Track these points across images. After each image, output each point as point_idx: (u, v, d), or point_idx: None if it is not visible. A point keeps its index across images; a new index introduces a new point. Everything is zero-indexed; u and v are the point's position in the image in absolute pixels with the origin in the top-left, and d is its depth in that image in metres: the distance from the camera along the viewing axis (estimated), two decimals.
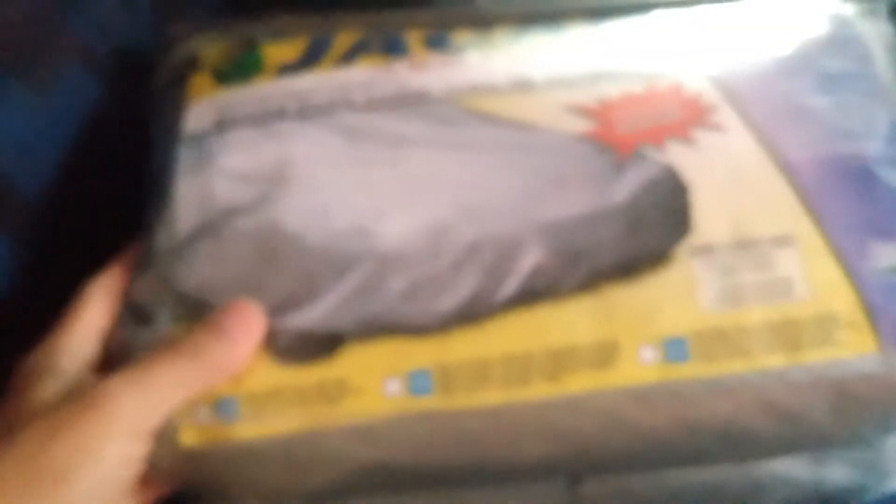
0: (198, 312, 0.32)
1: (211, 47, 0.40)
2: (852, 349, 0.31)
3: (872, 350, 0.31)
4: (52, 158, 0.41)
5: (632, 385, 0.31)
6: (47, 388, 0.30)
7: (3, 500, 0.27)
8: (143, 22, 0.46)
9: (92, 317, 0.33)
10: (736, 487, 0.34)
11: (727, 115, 0.35)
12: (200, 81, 0.38)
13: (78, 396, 0.29)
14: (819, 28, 0.39)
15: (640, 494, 0.34)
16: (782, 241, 0.32)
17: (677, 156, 0.34)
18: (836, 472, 0.34)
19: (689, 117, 0.35)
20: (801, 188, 0.33)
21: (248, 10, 0.43)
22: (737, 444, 0.32)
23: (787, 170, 0.34)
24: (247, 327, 0.31)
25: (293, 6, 0.44)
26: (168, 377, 0.30)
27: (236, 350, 0.31)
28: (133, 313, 0.33)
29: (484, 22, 0.41)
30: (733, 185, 0.33)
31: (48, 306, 0.37)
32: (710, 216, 0.33)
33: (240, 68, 0.38)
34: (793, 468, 0.34)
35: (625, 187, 0.33)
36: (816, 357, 0.31)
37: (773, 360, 0.31)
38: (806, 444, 0.33)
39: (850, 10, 0.40)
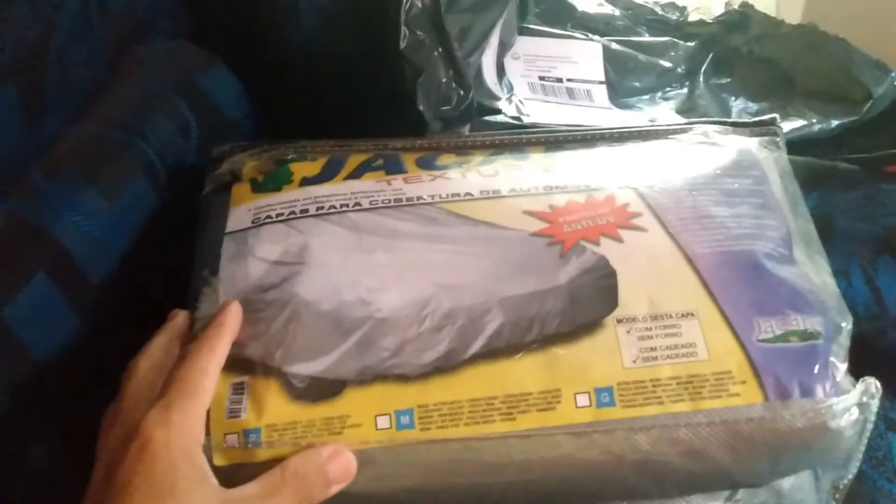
0: (234, 363, 0.40)
1: (249, 164, 0.51)
2: (743, 399, 0.40)
3: (759, 400, 0.40)
4: (116, 252, 0.49)
5: (570, 424, 0.39)
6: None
7: None
8: (194, 145, 0.55)
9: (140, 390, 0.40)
10: None
11: (648, 220, 0.45)
12: (241, 190, 0.49)
13: None
14: (726, 154, 0.50)
15: None
16: (687, 314, 0.41)
17: (609, 249, 0.44)
18: None
19: (619, 220, 0.45)
20: (703, 276, 0.43)
21: (279, 137, 0.54)
22: (655, 475, 0.40)
23: (694, 261, 0.43)
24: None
25: (316, 134, 0.54)
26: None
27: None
28: None
29: (464, 148, 0.52)
30: (651, 272, 0.43)
31: (110, 371, 0.45)
32: (632, 294, 0.42)
33: (272, 180, 0.49)
34: None
35: (567, 272, 0.43)
36: (715, 405, 0.40)
37: (680, 406, 0.39)
38: (714, 480, 0.42)
39: (753, 142, 0.51)
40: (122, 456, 0.36)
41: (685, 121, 0.55)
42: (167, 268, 0.49)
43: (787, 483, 0.44)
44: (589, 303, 0.42)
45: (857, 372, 0.43)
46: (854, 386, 0.41)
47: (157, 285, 0.50)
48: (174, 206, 0.53)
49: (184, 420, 0.36)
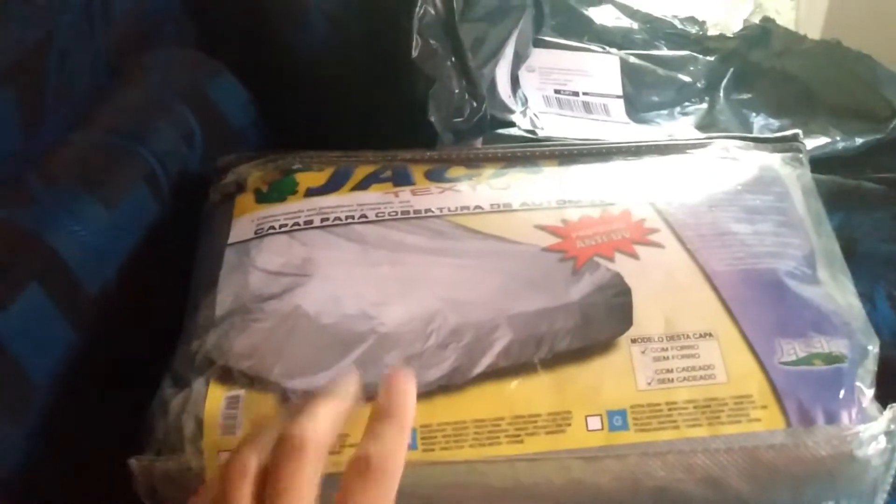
0: (230, 376, 0.39)
1: (254, 174, 0.50)
2: (764, 425, 0.38)
3: (781, 426, 0.38)
4: (115, 262, 0.47)
5: (581, 448, 0.37)
6: None
7: None
8: (198, 154, 0.54)
9: None
10: None
11: (666, 236, 0.43)
12: (244, 200, 0.47)
13: None
14: (748, 170, 0.48)
15: None
16: (705, 335, 0.40)
17: (623, 266, 0.42)
18: None
19: (635, 236, 0.43)
20: (723, 295, 0.41)
21: (287, 147, 0.53)
22: (670, 503, 0.38)
23: (713, 280, 0.41)
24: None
25: (325, 144, 0.53)
26: None
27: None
28: (174, 379, 0.40)
29: (475, 161, 0.50)
30: (668, 290, 0.41)
31: (108, 382, 0.44)
32: (647, 313, 0.40)
33: (277, 190, 0.47)
34: None
35: (580, 288, 0.41)
36: (734, 430, 0.38)
37: (697, 431, 0.38)
38: None
39: (775, 158, 0.49)
40: None
41: (705, 135, 0.53)
42: (169, 279, 0.47)
43: None
44: (602, 321, 0.40)
45: (883, 398, 0.41)
46: (881, 413, 0.39)
47: (159, 297, 0.49)
48: (177, 215, 0.51)
49: None
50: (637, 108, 0.74)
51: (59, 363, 0.43)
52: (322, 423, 0.33)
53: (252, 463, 0.32)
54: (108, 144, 0.50)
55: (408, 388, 0.34)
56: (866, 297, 0.57)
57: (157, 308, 0.47)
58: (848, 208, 0.63)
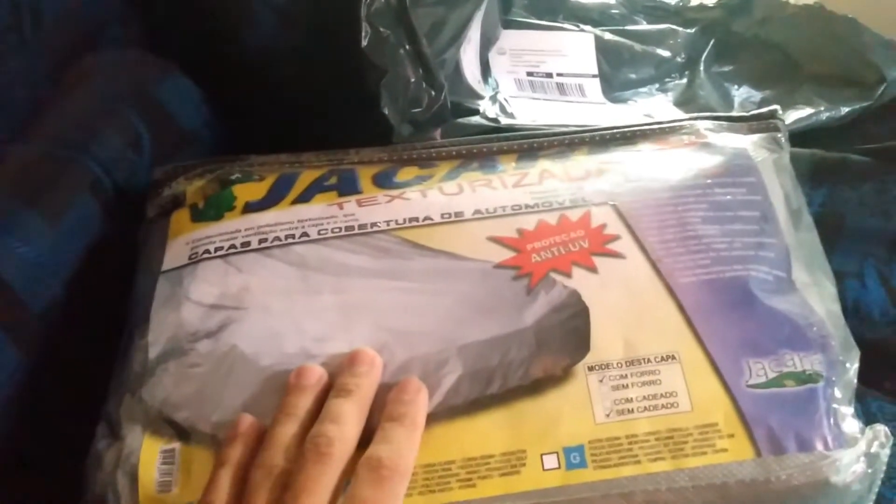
0: (165, 427, 0.36)
1: (193, 185, 0.47)
2: (732, 456, 0.35)
3: (750, 456, 0.35)
4: (61, 279, 0.45)
5: (537, 489, 0.35)
6: None
7: None
8: (148, 159, 0.51)
9: None
10: None
11: (627, 244, 0.40)
12: (180, 219, 0.44)
13: None
14: (719, 160, 0.44)
15: None
16: (668, 358, 0.37)
17: (581, 281, 0.39)
18: None
19: (594, 245, 0.40)
20: (686, 310, 0.38)
21: (242, 150, 0.50)
22: None
23: (676, 292, 0.38)
24: None
25: (280, 141, 0.50)
26: None
27: None
28: (108, 427, 0.37)
29: (428, 160, 0.47)
30: (628, 307, 0.38)
31: (53, 408, 0.41)
32: (606, 336, 0.37)
33: (213, 206, 0.44)
34: None
35: (535, 311, 0.38)
36: (699, 462, 0.35)
37: (660, 466, 0.35)
38: None
39: (750, 141, 0.46)
40: None
41: (675, 118, 0.50)
42: (120, 294, 0.45)
43: None
44: (558, 348, 0.37)
45: (873, 380, 0.38)
46: (861, 433, 0.36)
47: (109, 313, 0.46)
48: (125, 225, 0.49)
49: None
50: (614, 86, 0.71)
51: (4, 386, 0.42)
52: (349, 427, 0.34)
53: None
54: (48, 154, 0.48)
55: (420, 392, 0.36)
56: (855, 275, 0.54)
57: (106, 323, 0.45)
58: (833, 183, 0.59)
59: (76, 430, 0.40)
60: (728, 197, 0.43)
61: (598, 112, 0.67)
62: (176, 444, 0.36)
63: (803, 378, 0.36)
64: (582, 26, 0.72)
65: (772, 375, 0.36)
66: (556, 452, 0.35)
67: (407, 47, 0.54)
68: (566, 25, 0.72)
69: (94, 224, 0.48)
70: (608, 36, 0.72)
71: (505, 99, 0.65)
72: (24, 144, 0.47)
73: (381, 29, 0.53)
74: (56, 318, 0.45)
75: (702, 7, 0.75)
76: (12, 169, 0.46)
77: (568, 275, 0.39)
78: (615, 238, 0.41)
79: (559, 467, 0.35)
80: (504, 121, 0.61)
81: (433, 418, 0.36)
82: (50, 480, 0.41)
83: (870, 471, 0.36)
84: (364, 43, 0.52)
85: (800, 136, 0.59)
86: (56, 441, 0.42)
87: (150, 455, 0.36)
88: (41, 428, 0.43)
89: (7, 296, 0.42)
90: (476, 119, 0.60)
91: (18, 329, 0.43)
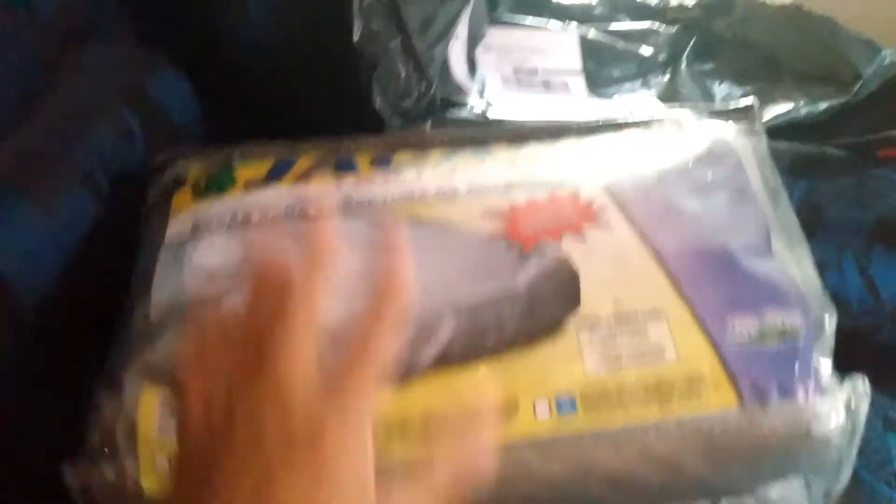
0: (166, 378, 0.37)
1: (193, 169, 0.48)
2: (717, 404, 0.37)
3: (734, 405, 0.37)
4: (54, 269, 0.46)
5: (530, 436, 0.36)
6: None
7: None
8: (140, 152, 0.52)
9: None
10: None
11: (614, 216, 0.42)
12: (182, 197, 0.46)
13: None
14: (700, 144, 0.46)
15: None
16: (654, 314, 0.38)
17: (571, 248, 0.41)
18: None
19: (582, 218, 0.42)
20: (672, 273, 0.40)
21: (232, 140, 0.51)
22: (626, 489, 0.37)
23: (661, 258, 0.40)
24: None
25: (271, 135, 0.52)
26: None
27: None
28: (108, 382, 0.38)
29: (422, 145, 0.49)
30: (615, 270, 0.40)
31: (47, 394, 0.42)
32: (595, 295, 0.39)
33: (215, 184, 0.46)
34: None
35: (527, 275, 0.40)
36: (686, 411, 0.36)
37: (649, 413, 0.36)
38: (691, 491, 0.38)
39: (729, 129, 0.48)
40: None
41: (658, 110, 0.52)
42: (112, 283, 0.46)
43: (775, 491, 0.41)
44: (549, 306, 0.39)
45: (851, 370, 0.39)
46: (840, 387, 0.38)
47: (103, 303, 0.47)
48: (118, 217, 0.50)
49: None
50: (598, 83, 0.73)
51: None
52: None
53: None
54: (42, 148, 0.49)
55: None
56: (834, 266, 0.56)
57: (101, 314, 0.46)
58: (812, 176, 0.61)
59: (70, 419, 0.40)
60: (710, 176, 0.45)
61: (583, 108, 0.69)
62: None
63: (784, 333, 0.38)
64: (566, 24, 0.75)
65: (754, 331, 0.38)
66: (548, 399, 0.37)
67: (398, 42, 0.56)
68: (551, 23, 0.74)
69: (88, 216, 0.49)
70: (592, 34, 0.74)
71: (492, 95, 0.67)
72: (19, 137, 0.48)
73: (374, 24, 0.55)
74: (51, 311, 0.45)
75: (682, 7, 0.78)
76: (6, 161, 0.47)
77: (558, 243, 0.41)
78: (602, 211, 0.42)
79: (551, 414, 0.36)
80: (493, 116, 0.63)
81: (430, 371, 0.37)
82: (45, 471, 0.40)
83: (849, 421, 0.37)
84: (356, 38, 0.54)
85: (779, 131, 0.61)
86: (50, 430, 0.43)
87: (150, 404, 0.37)
88: (34, 417, 0.43)
89: (1, 286, 0.43)
90: (465, 113, 0.61)
91: (11, 319, 0.43)
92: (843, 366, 0.40)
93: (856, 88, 0.67)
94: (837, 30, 0.71)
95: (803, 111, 0.66)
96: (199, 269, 0.41)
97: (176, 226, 0.44)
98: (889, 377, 0.49)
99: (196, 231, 0.43)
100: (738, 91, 0.71)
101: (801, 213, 0.47)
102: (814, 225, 0.55)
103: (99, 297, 0.47)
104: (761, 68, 0.72)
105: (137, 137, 0.53)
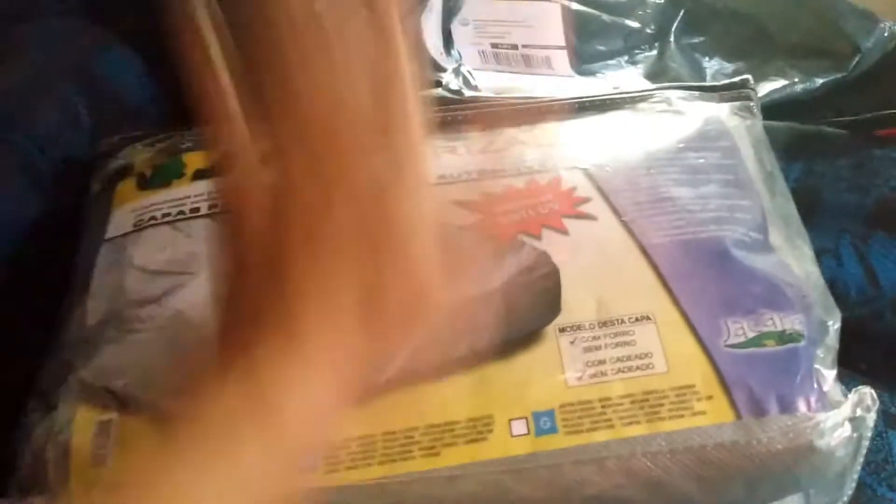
0: (102, 396, 0.34)
1: (141, 156, 0.44)
2: (710, 418, 0.33)
3: (730, 419, 0.33)
4: None
5: (506, 457, 0.33)
6: None
7: None
8: (85, 136, 0.48)
9: None
10: None
11: (598, 206, 0.38)
12: (126, 188, 0.42)
13: None
14: (691, 125, 0.43)
15: None
16: (642, 318, 0.35)
17: (551, 243, 0.37)
18: None
19: (564, 208, 0.38)
20: (661, 270, 0.36)
21: (189, 123, 0.47)
22: None
23: (650, 253, 0.37)
24: None
25: None
26: None
27: None
28: (39, 400, 0.35)
29: None
30: (600, 268, 0.36)
31: None
32: (577, 297, 0.35)
33: (161, 175, 0.42)
34: None
35: (503, 273, 0.36)
36: (676, 426, 0.33)
37: (635, 430, 0.33)
38: None
39: (723, 108, 0.44)
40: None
41: (644, 87, 0.48)
42: (56, 274, 0.42)
43: None
44: (527, 309, 0.35)
45: (850, 362, 0.37)
46: (845, 396, 0.35)
47: (43, 298, 0.43)
48: (62, 207, 0.46)
49: None
50: (582, 59, 0.69)
51: None
52: None
53: None
54: None
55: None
56: (832, 253, 0.53)
57: (44, 304, 0.42)
58: (808, 157, 0.58)
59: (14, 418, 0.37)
60: (701, 160, 0.41)
61: (566, 85, 0.65)
62: (113, 415, 0.34)
63: (784, 338, 0.35)
64: None
65: (751, 335, 0.35)
66: (525, 418, 0.33)
67: None
68: None
69: (28, 206, 0.45)
70: (575, 6, 0.70)
71: (468, 71, 0.63)
72: None
73: None
74: None
75: None
76: None
77: (538, 237, 0.37)
78: (586, 200, 0.39)
79: (528, 433, 0.33)
80: (467, 93, 0.59)
81: (394, 383, 0.34)
82: None
83: (855, 435, 0.34)
84: None
85: (774, 109, 0.58)
86: None
87: (84, 426, 0.33)
88: None
89: None
90: (438, 91, 0.57)
91: None
92: (841, 360, 0.37)
93: (854, 63, 0.63)
94: (833, 1, 0.68)
95: (798, 87, 0.63)
96: (140, 269, 0.37)
97: (118, 220, 0.40)
98: (890, 370, 0.46)
99: (140, 225, 0.39)
100: (729, 66, 0.67)
101: (798, 196, 0.44)
102: (810, 209, 0.52)
103: (38, 295, 0.44)
104: (754, 42, 0.69)
105: (84, 120, 0.49)
